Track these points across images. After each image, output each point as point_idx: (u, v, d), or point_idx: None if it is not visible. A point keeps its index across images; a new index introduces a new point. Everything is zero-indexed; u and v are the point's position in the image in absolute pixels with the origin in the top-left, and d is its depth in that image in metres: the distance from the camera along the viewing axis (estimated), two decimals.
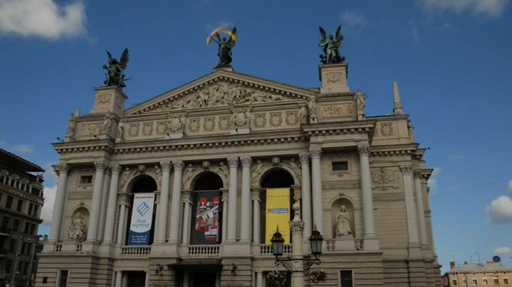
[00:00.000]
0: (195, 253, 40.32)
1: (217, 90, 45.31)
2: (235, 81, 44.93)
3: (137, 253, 41.73)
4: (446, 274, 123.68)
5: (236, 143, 41.48)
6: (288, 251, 32.93)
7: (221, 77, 45.32)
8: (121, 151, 44.47)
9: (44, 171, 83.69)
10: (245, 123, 41.97)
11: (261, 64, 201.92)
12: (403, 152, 41.80)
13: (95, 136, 44.54)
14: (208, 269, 39.34)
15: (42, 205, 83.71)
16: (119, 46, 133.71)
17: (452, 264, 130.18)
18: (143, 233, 42.66)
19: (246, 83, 44.67)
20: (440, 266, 62.25)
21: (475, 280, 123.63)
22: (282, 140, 40.48)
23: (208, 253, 39.81)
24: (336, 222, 37.22)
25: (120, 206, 44.07)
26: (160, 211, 41.88)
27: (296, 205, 20.95)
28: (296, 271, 18.73)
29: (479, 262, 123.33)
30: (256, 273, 37.95)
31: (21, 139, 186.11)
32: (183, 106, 45.66)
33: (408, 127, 44.12)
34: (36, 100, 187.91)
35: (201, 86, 45.66)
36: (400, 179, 41.15)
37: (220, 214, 41.63)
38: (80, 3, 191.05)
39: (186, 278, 40.17)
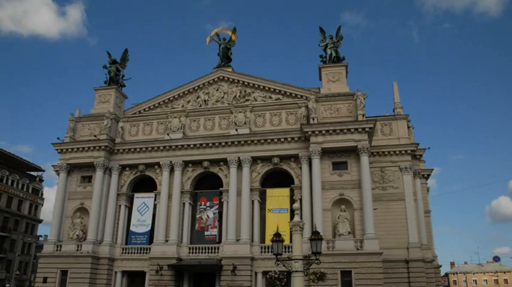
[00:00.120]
0: (195, 253, 40.32)
1: (217, 90, 45.31)
2: (235, 81, 44.94)
3: (137, 253, 41.73)
4: (446, 274, 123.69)
5: (236, 143, 41.48)
6: (288, 251, 32.93)
7: (221, 77, 45.32)
8: (121, 151, 44.47)
9: (44, 171, 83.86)
10: (245, 123, 41.97)
11: (261, 64, 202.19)
12: (403, 152, 41.80)
13: (95, 136, 44.54)
14: (208, 269, 39.35)
15: (42, 205, 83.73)
16: (119, 46, 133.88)
17: (452, 264, 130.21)
18: (143, 233, 42.67)
19: (246, 83, 44.67)
20: (440, 266, 62.28)
21: (475, 280, 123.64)
22: (282, 140, 40.48)
23: (208, 253, 39.81)
24: (336, 222, 37.22)
25: (120, 206, 44.07)
26: (160, 211, 41.88)
27: (296, 205, 20.95)
28: (296, 271, 18.73)
29: (479, 262, 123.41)
30: (256, 273, 37.95)
31: (21, 139, 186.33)
32: (183, 106, 45.66)
33: (408, 127, 44.12)
34: (36, 100, 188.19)
35: (201, 86, 45.67)
36: (400, 179, 41.15)
37: (220, 214, 41.63)
38: (80, 3, 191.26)
39: (186, 278, 40.17)
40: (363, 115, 38.62)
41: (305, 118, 40.74)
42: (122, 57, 49.47)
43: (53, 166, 46.88)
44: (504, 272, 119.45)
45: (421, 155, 47.68)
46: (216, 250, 39.64)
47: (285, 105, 42.75)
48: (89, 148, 43.87)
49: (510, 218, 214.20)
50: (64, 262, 40.68)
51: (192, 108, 45.18)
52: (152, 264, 39.49)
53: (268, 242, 36.95)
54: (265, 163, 41.37)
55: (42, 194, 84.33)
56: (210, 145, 42.10)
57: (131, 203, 44.40)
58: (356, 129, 38.26)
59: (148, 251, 41.01)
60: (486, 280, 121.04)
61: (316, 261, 19.42)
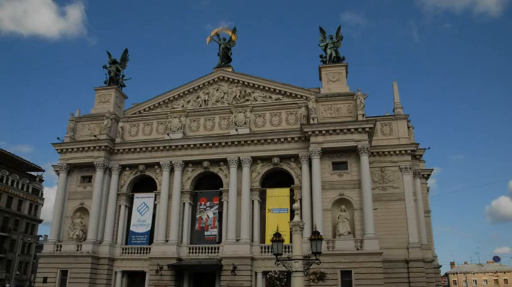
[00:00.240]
0: (195, 253, 40.32)
1: (217, 90, 45.31)
2: (235, 81, 44.94)
3: (137, 253, 41.73)
4: (446, 274, 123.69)
5: (236, 143, 41.48)
6: (288, 251, 32.93)
7: (221, 77, 45.33)
8: (121, 151, 44.48)
9: (44, 171, 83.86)
10: (245, 123, 41.97)
11: (261, 64, 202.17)
12: (403, 152, 41.80)
13: (95, 136, 44.54)
14: (208, 269, 39.35)
15: (42, 205, 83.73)
16: (119, 46, 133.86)
17: (452, 264, 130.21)
18: (143, 233, 42.67)
19: (246, 83, 44.67)
20: (440, 266, 62.28)
21: (475, 280, 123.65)
22: (282, 140, 40.48)
23: (208, 253, 39.81)
24: (336, 222, 37.21)
25: (120, 206, 44.07)
26: (160, 211, 41.88)
27: (296, 205, 20.95)
28: (296, 271, 18.73)
29: (479, 262, 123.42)
30: (256, 273, 37.95)
31: (21, 139, 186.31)
32: (183, 106, 45.66)
33: (408, 127, 44.12)
34: (36, 100, 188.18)
35: (201, 86, 45.67)
36: (400, 179, 41.15)
37: (220, 214, 41.63)
38: (80, 3, 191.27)
39: (186, 278, 40.17)
40: (363, 115, 38.62)
41: (305, 118, 40.74)
42: (121, 57, 49.48)
43: (53, 166, 46.93)
44: (504, 272, 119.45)
45: (421, 155, 47.68)
46: (216, 250, 39.64)
47: (285, 105, 42.75)
48: (89, 148, 43.86)
49: (510, 218, 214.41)
50: (64, 262, 40.68)
51: (192, 108, 45.18)
52: (152, 264, 39.50)
53: (268, 242, 36.95)
54: (265, 163, 41.37)
55: (42, 194, 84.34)
56: (210, 145, 42.10)
57: (131, 203, 44.40)
58: (356, 129, 38.26)
59: (148, 251, 41.01)
60: (486, 280, 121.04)
61: (316, 261, 19.42)
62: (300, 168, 39.78)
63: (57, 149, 44.79)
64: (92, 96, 48.08)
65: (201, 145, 42.32)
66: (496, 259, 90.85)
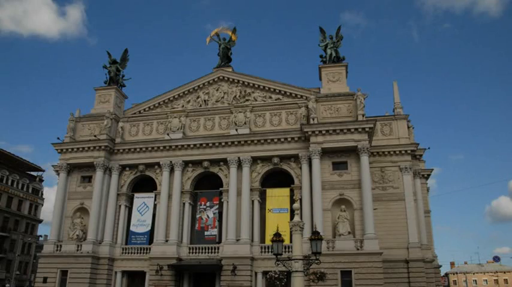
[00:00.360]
0: (195, 253, 40.32)
1: (217, 90, 45.31)
2: (235, 81, 44.94)
3: (137, 253, 41.73)
4: (446, 274, 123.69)
5: (236, 143, 41.48)
6: (288, 251, 32.93)
7: (221, 77, 45.32)
8: (121, 151, 44.47)
9: (44, 171, 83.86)
10: (245, 123, 41.97)
11: (261, 64, 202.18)
12: (403, 152, 41.80)
13: (95, 136, 44.54)
14: (208, 269, 39.35)
15: (42, 205, 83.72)
16: (119, 46, 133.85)
17: (452, 264, 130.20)
18: (143, 233, 42.67)
19: (246, 83, 44.67)
20: (440, 266, 62.28)
21: (475, 280, 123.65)
22: (282, 140, 40.48)
23: (208, 253, 39.81)
24: (336, 222, 37.22)
25: (120, 206, 44.07)
26: (160, 211, 41.88)
27: (296, 205, 20.95)
28: (296, 271, 18.73)
29: (479, 262, 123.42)
30: (256, 273, 37.95)
31: (21, 139, 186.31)
32: (183, 106, 45.66)
33: (408, 127, 44.12)
34: (36, 100, 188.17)
35: (201, 86, 45.67)
36: (400, 179, 41.15)
37: (220, 214, 41.63)
38: (80, 3, 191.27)
39: (186, 278, 40.17)
40: (363, 115, 38.62)
41: (305, 118, 40.74)
42: (121, 57, 49.47)
43: (53, 166, 46.93)
44: (504, 272, 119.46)
45: (421, 155, 47.68)
46: (216, 250, 39.64)
47: (285, 105, 42.75)
48: (89, 148, 43.87)
49: (510, 218, 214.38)
50: (64, 262, 40.68)
51: (192, 108, 45.18)
52: (152, 264, 39.49)
53: (268, 242, 36.95)
54: (265, 163, 41.37)
55: (42, 194, 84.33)
56: (210, 145, 42.10)
57: (131, 203, 44.40)
58: (356, 129, 38.25)
59: (148, 251, 41.01)
60: (486, 280, 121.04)
61: (316, 261, 19.43)
62: (300, 168, 39.77)
63: (57, 149, 44.79)
64: (92, 96, 48.17)
65: (201, 145, 42.32)
66: (496, 259, 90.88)
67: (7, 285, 65.22)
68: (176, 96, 46.10)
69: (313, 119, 39.46)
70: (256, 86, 44.26)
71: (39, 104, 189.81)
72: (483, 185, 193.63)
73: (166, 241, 40.61)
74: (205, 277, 40.05)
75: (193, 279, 40.57)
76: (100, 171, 43.31)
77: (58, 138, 45.51)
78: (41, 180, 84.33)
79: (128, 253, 42.11)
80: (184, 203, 42.37)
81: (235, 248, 38.39)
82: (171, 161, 42.76)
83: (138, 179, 45.31)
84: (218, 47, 47.53)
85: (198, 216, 42.44)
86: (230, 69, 45.62)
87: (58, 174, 44.66)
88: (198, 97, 45.55)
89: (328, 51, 43.20)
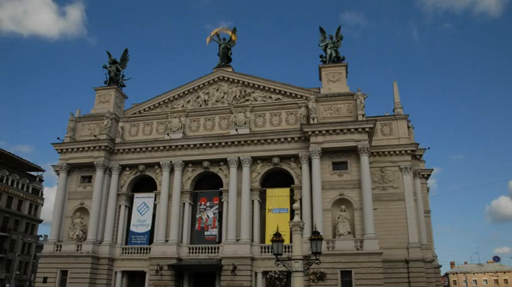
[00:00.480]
0: (195, 253, 40.32)
1: (217, 90, 45.31)
2: (235, 81, 44.93)
3: (137, 253, 41.73)
4: (446, 274, 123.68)
5: (236, 143, 41.47)
6: (288, 251, 32.93)
7: (221, 77, 45.32)
8: (121, 151, 44.47)
9: (44, 171, 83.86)
10: (245, 123, 41.97)
11: (261, 64, 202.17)
12: (403, 152, 41.80)
13: (95, 136, 44.54)
14: (208, 269, 39.34)
15: (42, 205, 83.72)
16: (119, 46, 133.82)
17: (452, 264, 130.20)
18: (143, 233, 42.66)
19: (246, 83, 44.67)
20: (440, 266, 62.27)
21: (475, 280, 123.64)
22: (282, 140, 40.48)
23: (208, 253, 39.81)
24: (336, 222, 37.21)
25: (120, 206, 44.07)
26: (160, 211, 41.88)
27: (296, 205, 20.95)
28: (296, 271, 18.73)
29: (479, 262, 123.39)
30: (256, 273, 37.95)
31: (21, 139, 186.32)
32: (183, 106, 45.66)
33: (408, 127, 44.12)
34: (36, 100, 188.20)
35: (201, 86, 45.67)
36: (400, 179, 41.14)
37: (220, 214, 41.63)
38: (80, 3, 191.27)
39: (186, 278, 40.17)
40: (363, 115, 38.62)
41: (305, 118, 40.73)
42: (121, 57, 49.47)
43: (53, 166, 46.92)
44: (504, 272, 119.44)
45: (421, 155, 47.67)
46: (216, 250, 39.63)
47: (285, 105, 42.75)
48: (88, 148, 43.86)
49: (510, 218, 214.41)
50: (64, 262, 40.68)
51: (192, 108, 45.18)
52: (152, 264, 39.49)
53: (268, 242, 36.94)
54: (265, 163, 41.36)
55: (42, 194, 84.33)
56: (210, 144, 42.09)
57: (131, 203, 44.40)
58: (356, 129, 38.25)
59: (148, 251, 41.01)
60: (486, 280, 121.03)
61: (316, 261, 19.42)
62: (300, 168, 39.77)
63: (57, 149, 44.79)
64: (92, 96, 48.17)
65: (201, 145, 42.32)
66: (496, 259, 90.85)
67: (7, 285, 65.21)
68: (176, 96, 46.09)
69: (313, 119, 39.46)
70: (256, 86, 44.26)
71: (39, 104, 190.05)
72: (483, 185, 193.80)
73: (166, 241, 40.61)
74: (205, 277, 40.05)
75: (193, 279, 40.57)
76: (100, 171, 43.31)
77: (58, 138, 45.61)
78: (41, 180, 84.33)
79: (128, 253, 42.11)
80: (184, 203, 42.36)
81: (235, 248, 38.38)
82: (171, 161, 42.76)
83: (138, 179, 45.31)
84: (218, 47, 47.53)
85: (198, 216, 42.43)
86: (230, 69, 45.62)
87: (58, 174, 44.65)
88: (198, 97, 45.55)
89: (328, 51, 43.20)
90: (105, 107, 46.45)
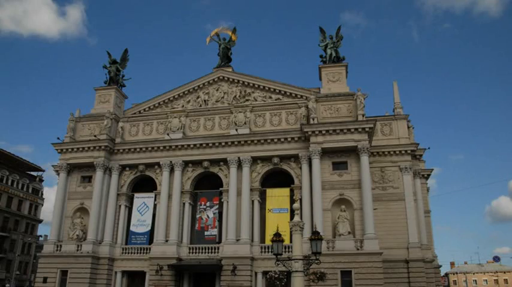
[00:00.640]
0: (195, 253, 40.32)
1: (217, 90, 45.31)
2: (235, 81, 44.93)
3: (137, 253, 41.73)
4: (446, 274, 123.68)
5: (236, 143, 41.47)
6: (288, 251, 32.93)
7: (221, 77, 45.32)
8: (121, 151, 44.47)
9: (44, 171, 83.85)
10: (245, 123, 41.97)
11: (261, 64, 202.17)
12: (403, 152, 41.79)
13: (95, 136, 44.54)
14: (208, 269, 39.34)
15: (42, 205, 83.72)
16: (119, 46, 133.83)
17: (452, 264, 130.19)
18: (143, 233, 42.66)
19: (246, 83, 44.67)
20: (440, 266, 62.27)
21: (475, 280, 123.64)
22: (282, 140, 40.48)
23: (208, 253, 39.81)
24: (336, 222, 37.21)
25: (120, 206, 44.07)
26: (160, 211, 41.87)
27: (296, 205, 20.94)
28: (296, 271, 18.73)
29: (479, 262, 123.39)
30: (256, 273, 37.94)
31: (21, 139, 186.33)
32: (183, 106, 45.66)
33: (408, 127, 44.12)
34: (36, 100, 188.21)
35: (201, 86, 45.67)
36: (400, 179, 41.14)
37: (220, 214, 41.62)
38: (80, 3, 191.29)
39: (186, 278, 40.17)
40: (363, 115, 38.62)
41: (305, 118, 40.73)
42: (121, 57, 49.46)
43: (53, 166, 46.92)
44: (504, 272, 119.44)
45: (421, 155, 47.67)
46: (216, 250, 39.63)
47: (285, 105, 42.74)
48: (88, 148, 43.86)
49: (510, 218, 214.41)
50: (64, 262, 40.67)
51: (192, 108, 45.18)
52: (152, 264, 39.49)
53: (268, 242, 36.94)
54: (265, 163, 41.36)
55: (42, 194, 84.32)
56: (210, 144, 42.09)
57: (131, 203, 44.40)
58: (356, 129, 38.25)
59: (148, 251, 41.01)
60: (486, 280, 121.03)
61: (316, 261, 19.42)
62: (300, 168, 39.77)
63: (57, 149, 44.79)
64: (92, 96, 48.16)
65: (201, 145, 42.32)
66: (496, 259, 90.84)
67: (7, 285, 65.21)
68: (176, 96, 46.09)
69: (313, 119, 39.45)
70: (256, 86, 44.26)
71: (39, 104, 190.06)
72: (483, 185, 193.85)
73: (166, 241, 40.61)
74: (205, 277, 40.05)
75: (193, 279, 40.57)
76: (100, 171, 43.31)
77: (58, 138, 45.61)
78: (41, 180, 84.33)
79: (128, 253, 42.10)
80: (184, 203, 42.36)
81: (235, 248, 38.38)
82: (171, 161, 42.76)
83: (138, 179, 45.31)
84: (218, 47, 47.53)
85: (198, 216, 42.44)
86: (230, 69, 45.62)
87: (58, 174, 44.65)
88: (198, 97, 45.55)
89: (328, 51, 43.20)
90: (105, 107, 46.45)
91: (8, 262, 71.27)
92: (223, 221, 40.78)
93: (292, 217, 22.37)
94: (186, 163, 42.91)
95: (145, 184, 45.18)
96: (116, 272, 41.53)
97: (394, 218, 39.79)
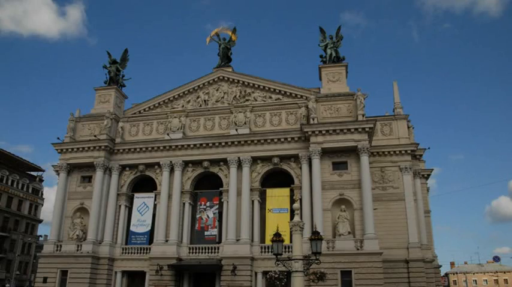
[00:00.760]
0: (195, 253, 40.32)
1: (217, 90, 45.31)
2: (235, 81, 44.93)
3: (137, 253, 41.73)
4: (446, 274, 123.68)
5: (236, 143, 41.47)
6: (288, 251, 32.93)
7: (221, 77, 45.32)
8: (121, 151, 44.47)
9: (44, 171, 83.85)
10: (245, 123, 41.97)
11: (261, 64, 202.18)
12: (403, 152, 41.80)
13: (95, 136, 44.54)
14: (208, 269, 39.34)
15: (42, 205, 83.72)
16: (119, 46, 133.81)
17: (452, 264, 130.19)
18: (143, 233, 42.66)
19: (246, 83, 44.67)
20: (440, 266, 62.27)
21: (475, 280, 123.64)
22: (282, 140, 40.48)
23: (208, 253, 39.81)
24: (336, 222, 37.21)
25: (120, 206, 44.07)
26: (160, 211, 41.87)
27: (296, 205, 20.94)
28: (296, 271, 18.73)
29: (479, 262, 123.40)
30: (256, 273, 37.94)
31: (21, 139, 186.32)
32: (183, 106, 45.66)
33: (408, 127, 44.12)
34: (36, 100, 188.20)
35: (201, 86, 45.67)
36: (400, 179, 41.14)
37: (220, 214, 41.62)
38: (80, 3, 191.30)
39: (186, 278, 40.17)
40: (363, 115, 38.62)
41: (305, 118, 40.73)
42: (121, 57, 49.46)
43: (53, 166, 46.92)
44: (504, 272, 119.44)
45: (421, 155, 47.67)
46: (216, 250, 39.63)
47: (285, 105, 42.74)
48: (88, 148, 43.86)
49: (510, 218, 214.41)
50: (64, 262, 40.67)
51: (192, 108, 45.17)
52: (152, 264, 39.49)
53: (268, 242, 36.94)
54: (265, 163, 41.36)
55: (42, 194, 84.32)
56: (210, 144, 42.09)
57: (131, 203, 44.40)
58: (356, 129, 38.25)
59: (148, 251, 41.01)
60: (486, 280, 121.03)
61: (316, 261, 19.42)
62: (300, 168, 39.77)
63: (57, 149, 44.79)
64: (92, 96, 48.16)
65: (201, 145, 42.31)
66: (496, 259, 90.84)
67: (7, 285, 65.21)
68: (176, 96, 46.09)
69: (313, 119, 39.45)
70: (256, 86, 44.25)
71: (39, 104, 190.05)
72: (483, 185, 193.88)
73: (166, 241, 40.61)
74: (205, 277, 40.05)
75: (193, 279, 40.57)
76: (100, 171, 43.31)
77: (58, 138, 45.61)
78: (41, 180, 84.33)
79: (128, 253, 42.10)
80: (184, 203, 42.36)
81: (235, 248, 38.38)
82: (171, 161, 42.76)
83: (138, 179, 45.31)
84: (218, 47, 47.53)
85: (198, 216, 42.44)
86: (230, 69, 45.62)
87: (58, 174, 44.65)
88: (198, 97, 45.55)
89: (328, 51, 43.20)
90: (105, 107, 46.45)
91: (8, 262, 71.27)
92: (223, 221, 40.78)
93: (292, 217, 22.37)
94: (186, 163, 42.91)
95: (145, 184, 45.18)
96: (115, 272, 41.53)
97: (394, 218, 39.79)
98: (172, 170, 42.89)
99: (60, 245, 41.82)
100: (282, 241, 19.63)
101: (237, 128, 41.94)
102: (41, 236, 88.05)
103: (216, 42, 47.87)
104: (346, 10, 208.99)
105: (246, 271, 37.38)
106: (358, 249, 35.25)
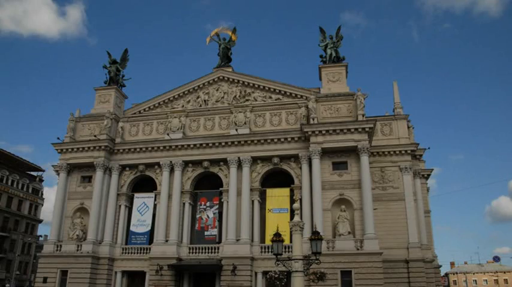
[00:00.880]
0: (195, 253, 40.32)
1: (217, 90, 45.31)
2: (235, 81, 44.93)
3: (137, 253, 41.73)
4: (446, 274, 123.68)
5: (236, 143, 41.47)
6: (288, 251, 32.93)
7: (221, 77, 45.32)
8: (121, 150, 44.47)
9: (44, 171, 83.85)
10: (245, 123, 41.97)
11: (261, 64, 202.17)
12: (403, 152, 41.80)
13: (95, 136, 44.54)
14: (208, 269, 39.34)
15: (42, 205, 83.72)
16: (119, 46, 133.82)
17: (452, 264, 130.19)
18: (143, 233, 42.66)
19: (246, 83, 44.67)
20: (440, 266, 62.27)
21: (475, 280, 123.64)
22: (282, 140, 40.48)
23: (208, 253, 39.81)
24: (336, 222, 37.21)
25: (120, 206, 44.07)
26: (160, 211, 41.87)
27: (296, 205, 20.94)
28: (296, 271, 18.73)
29: (479, 262, 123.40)
30: (256, 273, 37.94)
31: (21, 139, 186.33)
32: (183, 106, 45.66)
33: (408, 127, 44.12)
34: (36, 100, 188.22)
35: (201, 86, 45.67)
36: (400, 179, 41.14)
37: (220, 214, 41.63)
38: (80, 3, 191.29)
39: (186, 278, 40.17)
40: (363, 115, 38.62)
41: (305, 118, 40.73)
42: (121, 57, 49.46)
43: (53, 166, 46.92)
44: (504, 272, 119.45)
45: (421, 155, 47.67)
46: (216, 250, 39.63)
47: (285, 105, 42.75)
48: (88, 148, 43.86)
49: (510, 218, 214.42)
50: (64, 262, 40.67)
51: (192, 108, 45.18)
52: (152, 264, 39.49)
53: (268, 242, 36.94)
54: (265, 163, 41.36)
55: (42, 194, 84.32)
56: (210, 145, 42.09)
57: (131, 203, 44.40)
58: (356, 129, 38.25)
59: (148, 251, 41.01)
60: (486, 280, 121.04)
61: (316, 261, 19.42)
62: (300, 168, 39.77)
63: (57, 149, 44.79)
64: (92, 96, 48.16)
65: (201, 145, 42.32)
66: (496, 259, 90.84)
67: (7, 285, 65.21)
68: (176, 96, 46.09)
69: (313, 119, 39.45)
70: (256, 86, 44.25)
71: (39, 104, 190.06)
72: (483, 185, 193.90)
73: (166, 241, 40.61)
74: (205, 277, 40.05)
75: (193, 279, 40.57)
76: (100, 171, 43.31)
77: (58, 138, 45.61)
78: (41, 180, 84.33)
79: (128, 253, 42.10)
80: (184, 203, 42.36)
81: (235, 248, 38.38)
82: (171, 161, 42.76)
83: (138, 179, 45.31)
84: (218, 47, 47.53)
85: (198, 216, 42.44)
86: (230, 69, 45.62)
87: (58, 174, 44.65)
88: (198, 97, 45.55)
89: (328, 51, 43.20)
90: (105, 107, 46.45)
91: (8, 262, 71.27)
92: (223, 221, 40.78)
93: (292, 217, 22.37)
94: (186, 163, 42.91)
95: (145, 184, 45.18)
96: (116, 272, 41.53)
97: (394, 218, 39.79)
98: (172, 170, 42.89)
99: (60, 245, 41.82)
100: (282, 241, 19.63)
101: (237, 128, 41.94)
102: (41, 236, 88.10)
103: (216, 42, 47.88)
104: (346, 10, 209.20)
105: (246, 271, 37.38)
106: (358, 249, 35.25)
